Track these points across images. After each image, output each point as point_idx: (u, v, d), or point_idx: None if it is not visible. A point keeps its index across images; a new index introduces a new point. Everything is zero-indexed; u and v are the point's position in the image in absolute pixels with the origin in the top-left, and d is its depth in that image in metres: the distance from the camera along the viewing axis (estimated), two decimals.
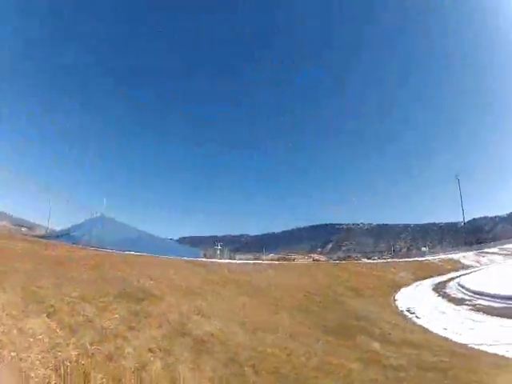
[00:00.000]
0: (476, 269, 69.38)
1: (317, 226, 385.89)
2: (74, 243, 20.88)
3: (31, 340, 4.92)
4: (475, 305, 26.26)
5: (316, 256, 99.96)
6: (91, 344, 5.67)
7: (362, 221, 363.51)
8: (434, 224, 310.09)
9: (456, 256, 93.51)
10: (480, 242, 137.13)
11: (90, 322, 6.61)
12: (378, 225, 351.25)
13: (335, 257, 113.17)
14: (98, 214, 29.18)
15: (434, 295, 35.41)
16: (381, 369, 8.88)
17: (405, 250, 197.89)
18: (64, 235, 24.36)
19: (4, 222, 22.41)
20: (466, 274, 56.30)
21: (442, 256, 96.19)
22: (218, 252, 66.92)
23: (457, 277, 50.88)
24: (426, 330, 18.88)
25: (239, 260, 59.94)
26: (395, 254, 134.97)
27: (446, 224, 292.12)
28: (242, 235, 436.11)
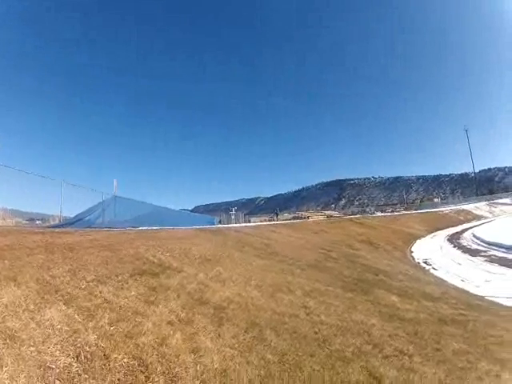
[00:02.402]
0: (489, 219, 69.72)
1: (328, 182, 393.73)
2: (87, 227, 20.77)
3: (50, 331, 4.93)
4: (490, 256, 26.59)
5: (330, 212, 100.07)
6: (110, 325, 5.69)
7: (372, 175, 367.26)
8: (446, 175, 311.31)
9: (468, 207, 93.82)
10: (491, 193, 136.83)
11: (108, 302, 6.61)
12: (390, 178, 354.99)
13: (349, 212, 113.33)
14: (110, 195, 28.97)
15: (449, 246, 36.01)
16: (400, 323, 9.12)
17: (418, 201, 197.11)
18: (77, 221, 24.11)
19: (17, 219, 22.22)
20: (480, 224, 56.75)
21: (455, 207, 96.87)
22: (233, 217, 67.03)
23: (471, 227, 51.38)
24: (443, 282, 19.36)
25: (254, 223, 60.09)
26: (408, 206, 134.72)
27: (458, 175, 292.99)
28: (255, 198, 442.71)
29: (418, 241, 44.29)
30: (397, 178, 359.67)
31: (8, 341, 4.44)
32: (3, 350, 4.22)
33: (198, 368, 5.18)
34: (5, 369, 3.91)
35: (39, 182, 22.06)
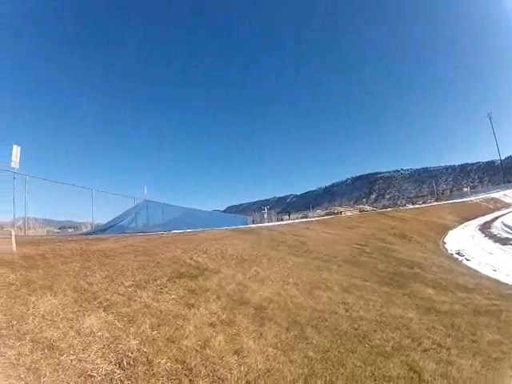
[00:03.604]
0: None
1: (358, 177, 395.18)
2: (120, 233, 20.79)
3: (90, 338, 4.84)
4: None
5: (362, 206, 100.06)
6: (151, 330, 5.61)
7: (402, 167, 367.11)
8: (473, 164, 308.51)
9: (497, 195, 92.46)
10: None
11: (148, 307, 6.55)
12: (419, 169, 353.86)
13: (380, 205, 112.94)
14: (141, 200, 29.02)
15: (480, 236, 35.65)
16: (436, 316, 9.03)
17: (447, 191, 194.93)
18: (110, 227, 24.15)
19: (48, 228, 22.45)
20: (509, 212, 55.53)
21: (484, 195, 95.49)
22: (265, 216, 66.86)
23: (500, 216, 50.40)
24: (475, 273, 19.04)
25: (287, 221, 59.84)
26: (439, 196, 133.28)
27: (485, 163, 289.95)
28: (287, 196, 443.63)
29: (449, 231, 43.69)
30: (425, 169, 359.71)
31: (46, 351, 4.33)
32: (41, 361, 4.10)
33: (242, 369, 5.07)
34: (43, 379, 3.79)
35: (69, 191, 22.16)
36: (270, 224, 43.26)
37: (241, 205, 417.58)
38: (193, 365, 4.85)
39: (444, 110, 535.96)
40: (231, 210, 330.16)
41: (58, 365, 4.10)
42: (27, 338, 4.51)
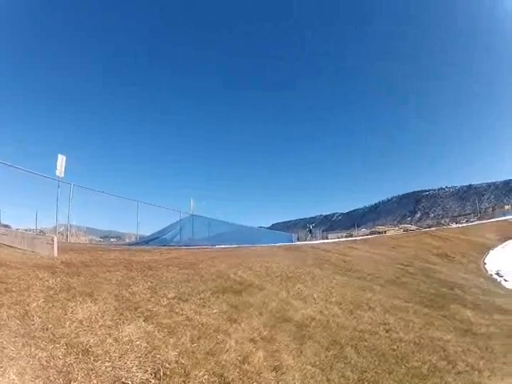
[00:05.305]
0: None
1: (403, 195, 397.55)
2: (164, 246, 20.92)
3: (127, 347, 4.81)
4: None
5: (406, 226, 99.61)
6: (191, 342, 5.56)
7: (446, 184, 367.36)
8: None
9: None
10: None
11: (189, 320, 6.52)
12: (463, 186, 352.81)
13: (425, 224, 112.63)
14: (187, 214, 29.12)
15: None
16: (473, 338, 9.16)
17: (490, 210, 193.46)
18: (154, 239, 24.28)
19: (91, 237, 22.89)
20: None
21: None
22: (310, 234, 66.89)
23: None
24: None
25: (332, 239, 59.74)
26: (481, 215, 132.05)
27: None
28: (332, 214, 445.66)
29: (490, 251, 42.82)
30: (469, 186, 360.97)
31: (80, 355, 4.31)
32: (74, 365, 4.08)
33: None
34: (73, 383, 3.77)
35: (114, 202, 22.50)
36: (315, 242, 43.36)
37: (286, 222, 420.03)
38: (230, 379, 4.77)
39: (490, 124, 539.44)
40: (277, 226, 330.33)
41: (92, 370, 4.08)
42: (62, 342, 4.52)
